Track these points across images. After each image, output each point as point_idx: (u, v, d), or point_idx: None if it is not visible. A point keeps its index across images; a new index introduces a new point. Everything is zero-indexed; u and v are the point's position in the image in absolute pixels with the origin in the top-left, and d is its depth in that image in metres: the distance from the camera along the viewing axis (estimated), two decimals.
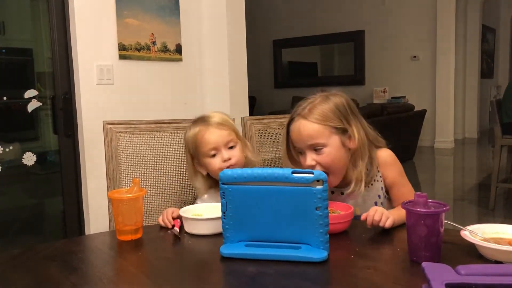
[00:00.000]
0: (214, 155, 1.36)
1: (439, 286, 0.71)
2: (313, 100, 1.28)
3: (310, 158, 1.24)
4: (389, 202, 1.35)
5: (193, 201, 1.49)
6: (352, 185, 1.27)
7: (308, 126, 1.23)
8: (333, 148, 1.24)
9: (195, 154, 1.40)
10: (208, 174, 1.42)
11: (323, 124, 1.23)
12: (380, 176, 1.32)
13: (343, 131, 1.25)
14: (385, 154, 1.33)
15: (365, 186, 1.28)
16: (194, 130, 1.39)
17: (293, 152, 1.31)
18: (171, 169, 1.56)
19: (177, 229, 1.17)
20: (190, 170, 1.44)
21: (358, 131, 1.26)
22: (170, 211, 1.25)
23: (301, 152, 1.27)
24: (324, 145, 1.23)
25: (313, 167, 1.23)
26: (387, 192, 1.34)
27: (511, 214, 3.74)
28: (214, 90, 2.92)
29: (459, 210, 3.89)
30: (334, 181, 1.28)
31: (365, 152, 1.27)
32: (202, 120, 1.41)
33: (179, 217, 1.23)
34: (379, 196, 1.32)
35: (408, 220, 0.94)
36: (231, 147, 1.38)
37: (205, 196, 1.44)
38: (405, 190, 1.30)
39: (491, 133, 7.45)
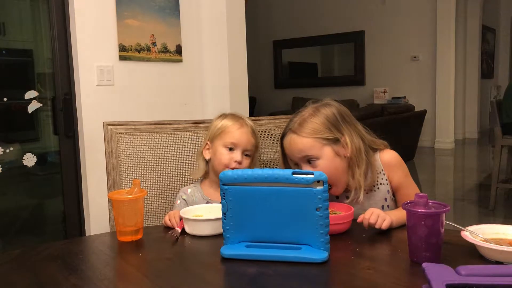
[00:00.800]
0: (230, 149, 1.40)
1: (440, 287, 0.71)
2: (303, 114, 1.27)
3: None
4: (395, 203, 1.33)
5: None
6: (352, 194, 1.26)
7: (298, 141, 1.23)
8: (326, 159, 1.23)
9: (212, 139, 1.44)
10: (207, 162, 1.46)
11: (313, 137, 1.22)
12: (386, 179, 1.30)
13: (335, 141, 1.24)
14: (388, 156, 1.31)
15: (370, 191, 1.28)
16: (229, 122, 1.43)
17: (290, 164, 1.30)
18: (172, 170, 1.56)
19: (179, 230, 1.17)
20: (200, 150, 1.49)
21: (352, 139, 1.25)
22: (178, 213, 1.25)
23: (297, 164, 1.27)
24: (316, 157, 1.23)
25: None
26: (393, 193, 1.32)
27: None
28: (214, 90, 2.92)
29: (460, 210, 3.89)
30: (336, 192, 1.27)
31: (361, 159, 1.25)
32: (239, 119, 1.45)
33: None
34: (385, 199, 1.30)
35: (409, 221, 0.94)
36: (246, 155, 1.42)
37: (189, 190, 1.47)
38: (411, 191, 1.28)
39: (491, 133, 7.44)
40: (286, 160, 1.31)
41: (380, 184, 1.29)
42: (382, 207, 1.28)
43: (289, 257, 0.94)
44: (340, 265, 0.94)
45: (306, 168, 1.24)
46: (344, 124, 1.26)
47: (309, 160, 1.23)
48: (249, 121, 1.46)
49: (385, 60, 7.50)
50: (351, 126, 1.27)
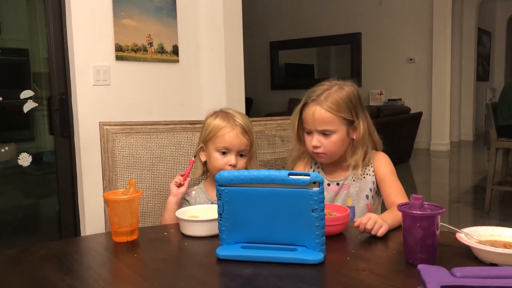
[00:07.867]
0: (223, 153, 1.42)
1: None
2: (329, 88, 1.36)
3: (316, 140, 1.35)
4: (379, 198, 1.43)
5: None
6: (350, 169, 1.39)
7: (322, 113, 1.33)
8: (339, 136, 1.34)
9: (205, 141, 1.46)
10: (205, 163, 1.49)
11: (336, 114, 1.33)
12: (373, 171, 1.40)
13: (350, 123, 1.36)
14: (380, 154, 1.43)
15: (358, 179, 1.40)
16: (220, 123, 1.44)
17: (302, 131, 1.40)
18: (167, 171, 1.56)
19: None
20: (197, 150, 1.51)
21: (364, 124, 1.37)
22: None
23: (309, 132, 1.37)
24: (333, 132, 1.34)
25: (316, 147, 1.35)
26: (377, 187, 1.41)
27: (506, 217, 3.75)
28: (210, 91, 2.92)
29: (455, 212, 3.90)
30: (326, 161, 1.41)
31: (365, 142, 1.38)
32: (229, 118, 1.45)
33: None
34: (370, 189, 1.40)
35: (404, 222, 0.95)
36: (241, 155, 1.43)
37: (193, 193, 1.49)
38: (395, 187, 1.36)
39: (486, 136, 7.47)
40: (300, 125, 1.40)
41: (367, 174, 1.41)
42: (367, 197, 1.40)
43: (285, 258, 0.94)
44: (335, 266, 0.95)
45: (318, 137, 1.34)
46: (361, 108, 1.38)
47: (325, 132, 1.34)
48: (239, 119, 1.45)
49: (381, 62, 7.52)
50: (364, 111, 1.39)
